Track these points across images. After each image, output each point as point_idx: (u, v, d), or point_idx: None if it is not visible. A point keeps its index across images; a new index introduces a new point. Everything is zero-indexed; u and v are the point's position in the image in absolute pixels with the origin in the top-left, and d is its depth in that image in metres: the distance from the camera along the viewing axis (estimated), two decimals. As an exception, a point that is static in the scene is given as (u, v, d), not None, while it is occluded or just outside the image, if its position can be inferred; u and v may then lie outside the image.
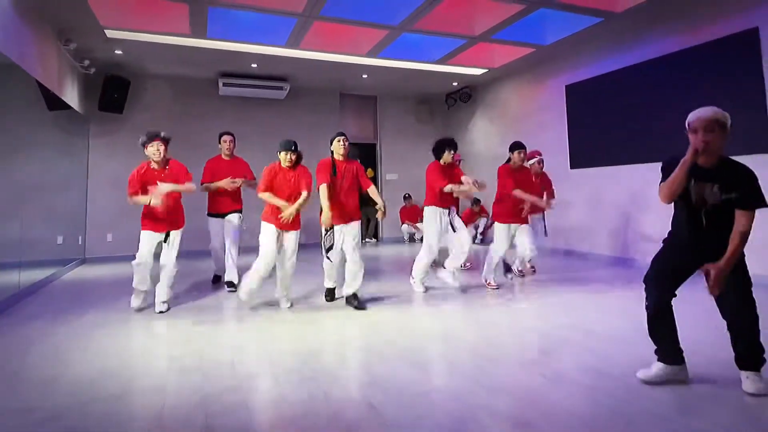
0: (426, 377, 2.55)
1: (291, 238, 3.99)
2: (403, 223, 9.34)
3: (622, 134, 6.12)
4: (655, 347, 2.37)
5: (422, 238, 4.63)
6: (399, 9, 5.26)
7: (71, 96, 6.31)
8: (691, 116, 2.15)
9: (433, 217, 4.42)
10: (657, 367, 2.32)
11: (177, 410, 2.16)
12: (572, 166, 6.97)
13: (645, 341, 2.44)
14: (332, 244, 3.97)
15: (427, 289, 4.62)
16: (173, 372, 2.64)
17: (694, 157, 2.09)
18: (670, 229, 2.40)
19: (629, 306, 3.80)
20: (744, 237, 2.08)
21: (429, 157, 4.59)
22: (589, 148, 6.72)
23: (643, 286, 2.38)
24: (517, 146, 4.68)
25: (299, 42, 6.26)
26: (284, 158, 3.89)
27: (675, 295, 2.32)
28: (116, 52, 6.50)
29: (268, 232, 3.87)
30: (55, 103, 5.82)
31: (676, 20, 5.48)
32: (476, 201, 8.61)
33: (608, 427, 1.92)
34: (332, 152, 4.06)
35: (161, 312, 3.91)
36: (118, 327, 3.57)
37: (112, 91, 7.13)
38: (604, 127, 6.42)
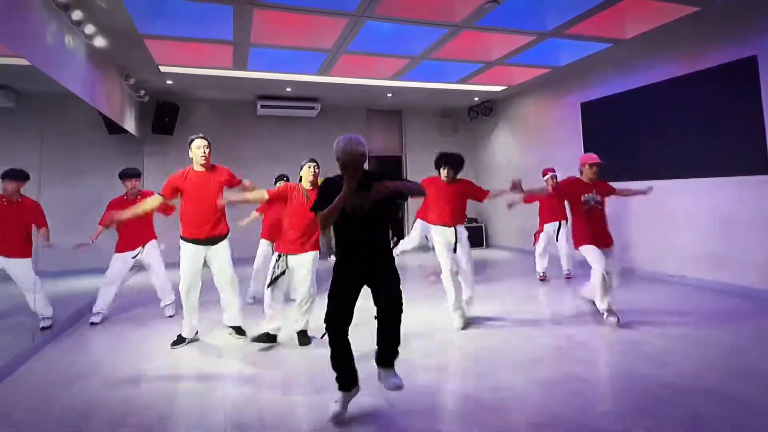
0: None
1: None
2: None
3: (633, 151, 6.41)
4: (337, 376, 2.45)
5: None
6: (417, 43, 5.78)
7: (129, 122, 7.15)
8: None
9: None
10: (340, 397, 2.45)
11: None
12: (588, 180, 7.26)
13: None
14: (283, 272, 3.55)
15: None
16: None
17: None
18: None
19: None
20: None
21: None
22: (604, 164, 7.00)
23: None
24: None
25: (329, 71, 6.87)
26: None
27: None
28: (167, 82, 7.31)
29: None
30: (114, 127, 6.63)
31: (681, 47, 5.75)
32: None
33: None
34: (300, 178, 3.70)
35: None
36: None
37: (164, 115, 7.96)
38: (615, 144, 6.69)
